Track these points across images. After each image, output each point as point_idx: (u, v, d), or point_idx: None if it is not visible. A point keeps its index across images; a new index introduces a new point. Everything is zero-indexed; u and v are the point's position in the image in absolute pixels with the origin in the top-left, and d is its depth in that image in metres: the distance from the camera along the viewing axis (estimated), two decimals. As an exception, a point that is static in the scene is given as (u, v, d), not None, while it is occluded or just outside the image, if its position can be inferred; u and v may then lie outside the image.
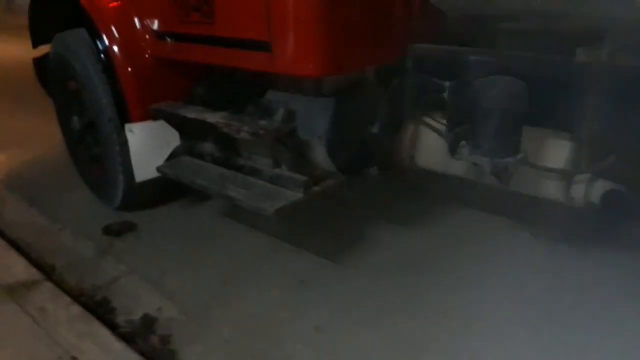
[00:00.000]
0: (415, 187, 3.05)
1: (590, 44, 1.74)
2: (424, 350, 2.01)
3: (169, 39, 2.55)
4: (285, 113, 2.24)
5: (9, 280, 2.40)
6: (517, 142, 1.92)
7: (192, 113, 2.48)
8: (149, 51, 2.65)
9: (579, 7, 1.62)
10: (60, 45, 3.04)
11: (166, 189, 3.02)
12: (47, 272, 2.55)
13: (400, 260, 2.56)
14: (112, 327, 2.17)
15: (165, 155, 2.74)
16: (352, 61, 2.11)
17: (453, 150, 2.05)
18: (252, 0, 2.07)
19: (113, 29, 2.64)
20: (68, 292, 2.37)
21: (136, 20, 2.65)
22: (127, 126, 2.69)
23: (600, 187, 1.95)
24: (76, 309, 2.23)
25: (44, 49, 3.39)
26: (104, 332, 2.09)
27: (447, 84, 1.98)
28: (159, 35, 2.59)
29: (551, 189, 2.06)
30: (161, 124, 2.71)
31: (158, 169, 2.66)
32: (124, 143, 2.73)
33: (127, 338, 2.11)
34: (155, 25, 2.59)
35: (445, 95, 1.99)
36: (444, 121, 2.15)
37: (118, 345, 2.02)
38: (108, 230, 2.92)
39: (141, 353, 2.01)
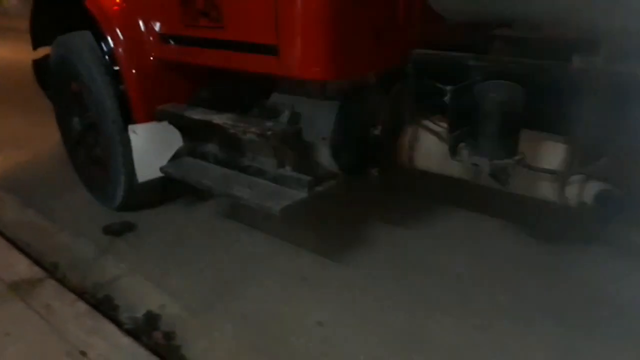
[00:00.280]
0: (415, 188, 3.13)
1: (586, 51, 1.83)
2: (424, 345, 2.07)
3: (174, 42, 2.60)
4: (290, 115, 2.31)
5: (14, 278, 2.42)
6: (515, 144, 2.00)
7: (198, 114, 2.54)
8: (153, 53, 2.70)
9: (576, 15, 1.70)
10: (62, 47, 3.07)
11: (166, 190, 3.06)
12: (50, 270, 2.57)
13: (399, 258, 2.63)
14: (116, 324, 2.19)
15: (168, 157, 2.78)
16: (356, 65, 2.19)
17: (453, 151, 2.12)
18: (260, 6, 2.14)
19: (118, 31, 2.68)
20: (72, 289, 2.40)
21: (141, 22, 2.69)
22: (131, 127, 2.73)
23: (593, 188, 2.03)
24: (82, 305, 2.26)
25: (43, 51, 3.41)
26: (111, 328, 2.13)
27: (448, 88, 2.04)
28: (164, 38, 2.64)
29: (546, 190, 2.14)
30: (164, 126, 2.75)
31: (162, 169, 2.70)
32: (127, 144, 2.76)
33: (132, 335, 2.13)
34: (161, 28, 2.64)
35: (446, 99, 2.05)
36: (444, 124, 2.22)
37: (126, 341, 2.06)
38: (108, 230, 2.95)
39: (148, 348, 2.05)
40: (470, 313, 2.22)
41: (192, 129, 2.71)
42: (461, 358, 2.01)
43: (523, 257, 2.60)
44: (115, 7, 2.72)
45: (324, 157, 2.35)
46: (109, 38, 2.70)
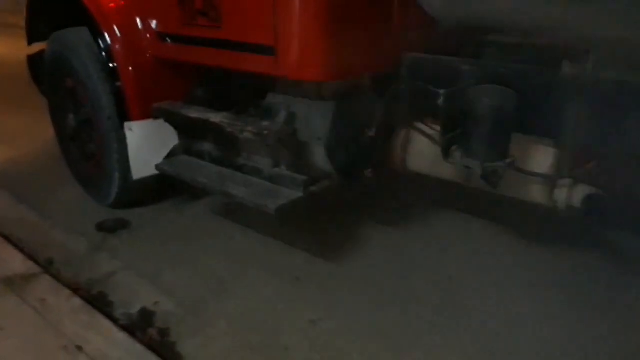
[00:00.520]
0: (407, 190, 3.17)
1: (576, 58, 1.88)
2: (415, 343, 2.11)
3: (171, 41, 2.62)
4: (286, 115, 2.34)
5: (7, 273, 2.43)
6: (507, 148, 2.05)
7: (195, 113, 2.56)
8: (150, 51, 2.72)
9: (566, 23, 1.75)
10: (58, 43, 3.08)
11: (161, 188, 3.08)
12: (44, 266, 2.58)
13: (391, 258, 2.67)
14: (111, 320, 2.21)
15: (163, 154, 2.80)
16: (352, 67, 2.23)
17: (446, 154, 2.17)
18: (258, 7, 2.17)
19: (115, 28, 2.70)
20: (66, 285, 2.42)
21: (138, 20, 2.71)
22: (126, 124, 2.75)
23: (582, 191, 2.09)
24: (77, 301, 2.28)
25: (38, 46, 3.41)
26: (106, 324, 2.15)
27: (441, 91, 2.09)
28: (161, 36, 2.66)
29: (535, 193, 2.20)
30: (159, 123, 2.77)
31: (157, 167, 2.72)
32: (122, 141, 2.78)
33: (127, 330, 2.15)
34: (158, 26, 2.66)
35: (439, 102, 2.09)
36: (436, 127, 2.27)
37: (121, 336, 2.08)
38: (102, 227, 2.96)
39: (143, 344, 2.07)
40: (461, 313, 2.27)
41: (188, 127, 2.73)
42: (451, 358, 2.05)
43: (513, 259, 2.65)
44: (113, 4, 2.74)
45: (319, 157, 2.39)
46: (106, 35, 2.71)
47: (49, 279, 2.43)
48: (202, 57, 2.50)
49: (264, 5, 2.14)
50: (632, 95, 1.82)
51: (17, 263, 2.53)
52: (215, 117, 2.46)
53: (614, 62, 1.82)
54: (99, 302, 2.35)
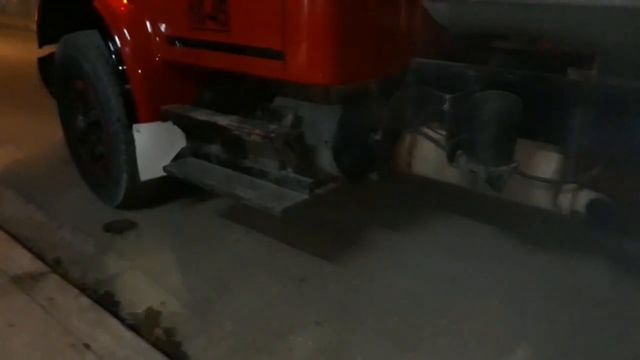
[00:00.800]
0: (413, 193, 3.19)
1: (580, 64, 1.91)
2: (419, 344, 2.13)
3: (181, 44, 2.66)
4: (294, 118, 2.37)
5: (17, 272, 2.45)
6: (511, 152, 2.07)
7: (203, 115, 2.59)
8: (159, 54, 2.76)
9: (573, 29, 1.77)
10: (69, 45, 3.12)
11: (168, 189, 3.11)
12: (52, 265, 2.60)
13: (394, 261, 2.69)
14: (118, 319, 2.23)
15: (170, 156, 2.84)
16: (359, 72, 2.26)
17: (451, 158, 2.19)
18: (267, 12, 2.20)
19: (125, 31, 2.74)
20: (74, 285, 2.44)
21: (148, 24, 2.75)
22: (135, 126, 2.78)
23: (585, 196, 2.10)
24: (85, 300, 2.29)
25: (48, 49, 3.46)
26: (114, 322, 2.17)
27: (447, 96, 2.11)
28: (170, 39, 2.70)
29: (539, 198, 2.21)
30: (167, 126, 2.80)
31: (165, 168, 2.75)
32: (131, 142, 2.81)
33: (133, 330, 2.17)
34: (168, 30, 2.70)
35: (445, 107, 2.12)
36: (442, 131, 2.29)
37: (129, 335, 2.10)
38: (109, 228, 2.99)
39: (149, 343, 2.10)
40: (464, 316, 2.28)
41: (196, 130, 2.76)
42: (455, 359, 2.07)
43: (516, 263, 2.66)
44: (123, 8, 2.78)
45: (325, 160, 2.41)
46: (116, 38, 2.76)
47: (57, 278, 2.46)
48: (211, 60, 2.53)
49: (272, 10, 2.17)
50: (636, 101, 1.84)
51: (25, 262, 2.56)
52: (223, 120, 2.49)
53: (618, 68, 1.84)
54: (106, 302, 2.37)
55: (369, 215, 3.12)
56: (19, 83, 4.91)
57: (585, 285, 2.47)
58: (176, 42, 2.68)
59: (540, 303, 2.36)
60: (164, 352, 2.05)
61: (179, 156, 2.82)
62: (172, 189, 3.12)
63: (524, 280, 2.52)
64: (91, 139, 3.20)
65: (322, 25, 2.10)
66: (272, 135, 2.29)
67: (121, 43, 2.75)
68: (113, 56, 2.78)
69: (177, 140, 2.85)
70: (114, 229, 2.98)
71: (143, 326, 2.23)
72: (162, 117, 2.74)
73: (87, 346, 2.02)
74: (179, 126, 2.78)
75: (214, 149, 2.77)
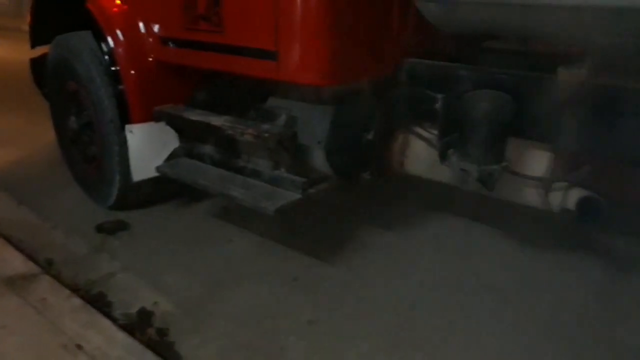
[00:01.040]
0: (405, 193, 3.20)
1: (570, 64, 1.93)
2: (412, 344, 2.14)
3: (174, 45, 2.66)
4: (287, 118, 2.38)
5: (9, 273, 2.44)
6: (502, 151, 2.09)
7: (196, 116, 2.60)
8: (152, 55, 2.76)
9: (563, 30, 1.79)
10: (61, 46, 3.11)
11: (161, 190, 3.11)
12: (44, 266, 2.60)
13: (388, 260, 2.70)
14: (110, 320, 2.22)
15: (163, 157, 2.83)
16: (352, 72, 2.27)
17: (443, 157, 2.20)
18: (261, 13, 2.21)
19: (118, 32, 2.74)
20: (66, 285, 2.43)
21: (141, 24, 2.75)
22: (128, 127, 2.78)
23: (576, 194, 2.13)
24: (77, 300, 2.28)
25: (41, 50, 3.45)
26: (106, 323, 2.16)
27: (439, 96, 2.13)
28: (164, 40, 2.70)
29: (530, 196, 2.24)
30: (160, 126, 2.80)
31: (158, 169, 2.75)
32: (124, 143, 2.81)
33: (126, 330, 2.17)
34: (161, 30, 2.70)
35: (437, 106, 2.14)
36: (434, 131, 2.31)
37: (121, 335, 2.09)
38: (101, 229, 2.98)
39: (142, 343, 2.09)
40: (457, 315, 2.29)
41: (189, 130, 2.77)
42: (446, 358, 2.08)
43: (509, 261, 2.68)
44: (116, 9, 2.78)
45: (318, 160, 2.42)
46: (109, 39, 2.75)
47: (49, 279, 2.44)
48: (204, 61, 2.54)
49: (265, 11, 2.18)
50: (625, 100, 1.87)
51: (17, 263, 2.54)
52: (216, 120, 2.50)
53: (608, 67, 1.87)
54: (99, 302, 2.37)
55: (362, 214, 3.13)
56: (11, 84, 4.88)
57: (576, 281, 2.49)
58: (169, 42, 2.68)
59: (532, 300, 2.38)
60: (157, 352, 2.04)
61: (171, 156, 2.82)
62: (165, 189, 3.12)
63: (516, 277, 2.54)
64: (84, 140, 3.19)
65: (315, 26, 2.11)
66: (266, 135, 2.30)
67: (114, 44, 2.75)
68: (106, 57, 2.78)
69: (170, 140, 2.84)
70: (107, 229, 2.97)
71: (136, 326, 2.23)
72: (155, 118, 2.75)
73: (79, 347, 2.01)
74: (172, 126, 2.78)
75: (207, 149, 2.77)
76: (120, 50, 2.74)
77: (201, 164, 2.76)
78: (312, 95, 2.41)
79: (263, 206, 2.29)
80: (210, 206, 3.21)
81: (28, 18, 3.40)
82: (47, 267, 2.61)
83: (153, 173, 2.82)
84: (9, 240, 2.82)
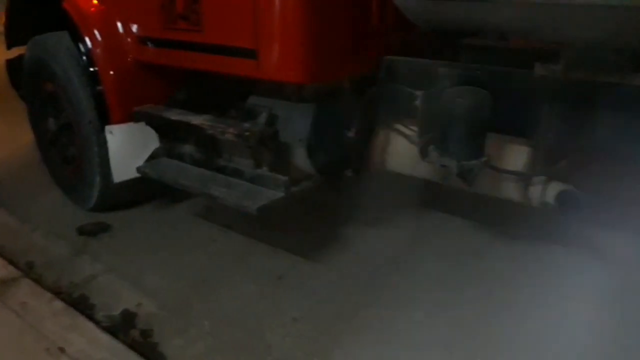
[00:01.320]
0: (387, 190, 3.22)
1: (546, 59, 1.95)
2: (394, 340, 2.15)
3: (152, 44, 2.64)
4: (268, 117, 2.38)
5: (-12, 278, 2.41)
6: (482, 147, 2.11)
7: (175, 115, 2.58)
8: (131, 55, 2.73)
9: (539, 26, 1.82)
10: (38, 47, 3.07)
11: (142, 190, 3.08)
12: (25, 270, 2.57)
13: (371, 257, 2.71)
14: (93, 322, 2.21)
15: (144, 157, 2.81)
16: (332, 70, 2.27)
17: (423, 153, 2.22)
18: (239, 11, 2.21)
19: (96, 32, 2.71)
20: (47, 289, 2.41)
21: (119, 24, 2.72)
22: (107, 128, 2.75)
23: (555, 188, 2.15)
24: (59, 304, 2.28)
25: (17, 50, 3.40)
26: (89, 325, 2.15)
27: (418, 93, 2.14)
28: (142, 40, 2.67)
29: (510, 190, 2.26)
30: (140, 127, 2.78)
31: (139, 169, 2.73)
32: (103, 144, 2.78)
33: (109, 332, 2.16)
34: (139, 30, 2.67)
35: (417, 103, 2.14)
36: (414, 127, 2.32)
37: (104, 337, 2.09)
38: (82, 231, 2.95)
39: (125, 344, 2.08)
40: (439, 309, 2.31)
41: (169, 130, 2.75)
42: (431, 352, 2.09)
43: (489, 255, 2.71)
44: (93, 9, 2.75)
45: (300, 158, 2.42)
46: (87, 39, 2.72)
47: (30, 282, 2.43)
48: (184, 60, 2.52)
49: (244, 9, 2.18)
50: (600, 94, 1.90)
51: (-3, 267, 2.52)
52: (197, 120, 2.48)
53: (583, 63, 1.89)
54: (81, 305, 2.35)
55: (344, 212, 3.14)
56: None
57: (558, 273, 2.52)
58: (148, 42, 2.66)
59: (511, 295, 2.40)
60: (141, 354, 2.04)
61: (152, 157, 2.80)
62: (146, 190, 3.10)
63: (500, 270, 2.57)
64: (63, 141, 3.16)
65: (294, 23, 2.11)
66: (246, 133, 2.30)
67: (92, 44, 2.72)
68: (84, 57, 2.75)
69: (151, 141, 2.82)
70: (88, 231, 2.94)
71: (119, 328, 2.22)
72: (135, 118, 2.72)
73: (62, 350, 2.00)
74: (152, 127, 2.76)
75: (188, 148, 2.75)
76: (98, 50, 2.71)
77: (182, 163, 2.74)
78: (292, 93, 2.41)
79: (245, 205, 2.29)
80: (193, 206, 3.20)
81: (3, 19, 3.35)
82: (28, 270, 2.59)
83: (134, 174, 2.79)
84: (-13, 244, 2.79)
